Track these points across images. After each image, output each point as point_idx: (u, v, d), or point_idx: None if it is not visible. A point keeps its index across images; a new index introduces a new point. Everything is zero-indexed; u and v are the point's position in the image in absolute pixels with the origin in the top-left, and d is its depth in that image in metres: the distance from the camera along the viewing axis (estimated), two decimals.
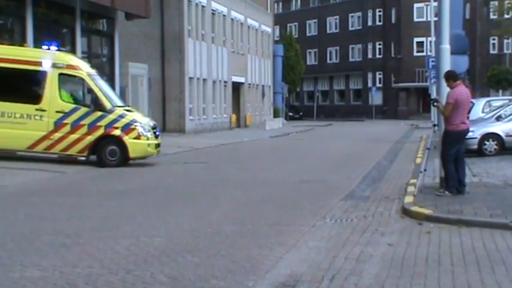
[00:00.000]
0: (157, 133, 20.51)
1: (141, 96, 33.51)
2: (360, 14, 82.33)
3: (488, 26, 68.90)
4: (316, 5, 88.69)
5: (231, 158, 24.47)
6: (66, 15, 26.77)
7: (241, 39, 51.91)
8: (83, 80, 19.56)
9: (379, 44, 79.47)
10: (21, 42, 22.92)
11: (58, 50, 20.29)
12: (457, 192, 12.64)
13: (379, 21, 79.51)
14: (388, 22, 77.80)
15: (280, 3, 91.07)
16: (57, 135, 19.18)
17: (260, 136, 39.00)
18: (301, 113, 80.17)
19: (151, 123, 20.77)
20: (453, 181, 12.68)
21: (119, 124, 19.40)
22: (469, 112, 13.66)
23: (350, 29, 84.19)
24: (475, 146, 21.77)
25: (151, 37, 39.34)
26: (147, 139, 19.71)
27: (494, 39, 71.23)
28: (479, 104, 28.08)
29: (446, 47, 13.02)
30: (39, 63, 19.32)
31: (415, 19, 73.79)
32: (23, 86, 20.02)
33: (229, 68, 48.36)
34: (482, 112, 26.70)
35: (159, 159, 20.80)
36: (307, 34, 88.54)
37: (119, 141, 19.32)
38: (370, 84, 79.20)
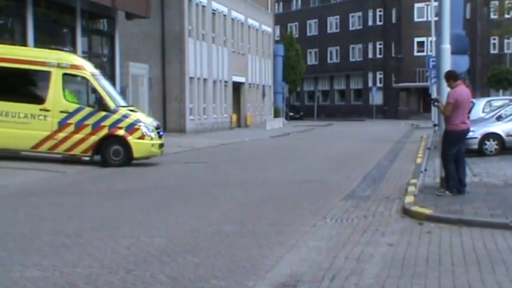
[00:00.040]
0: (160, 133, 20.56)
1: (141, 96, 33.51)
2: (360, 13, 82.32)
3: (488, 25, 68.87)
4: (316, 5, 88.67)
5: (231, 158, 24.48)
6: (67, 15, 26.77)
7: (241, 39, 51.92)
8: (87, 80, 19.58)
9: (380, 44, 79.45)
10: (22, 42, 22.92)
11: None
12: (458, 192, 12.64)
13: (380, 21, 79.49)
14: (389, 22, 77.78)
15: (281, 3, 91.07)
16: (61, 135, 19.20)
17: (260, 136, 39.00)
18: (301, 113, 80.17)
19: (155, 123, 20.82)
20: (453, 181, 12.67)
21: (123, 124, 19.42)
22: (469, 112, 13.65)
23: (350, 28, 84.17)
24: (476, 146, 21.77)
25: (151, 37, 39.35)
26: (151, 139, 19.75)
27: (494, 39, 71.21)
28: (480, 103, 28.08)
29: (446, 46, 13.02)
30: (43, 63, 19.34)
31: (416, 19, 73.78)
32: (27, 86, 20.10)
33: (230, 68, 48.36)
34: (483, 112, 26.70)
35: (160, 159, 20.80)
36: (308, 34, 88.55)
37: (123, 141, 19.35)
38: (370, 84, 79.22)
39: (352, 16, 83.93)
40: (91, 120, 19.26)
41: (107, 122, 19.34)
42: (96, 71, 20.43)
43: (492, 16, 69.08)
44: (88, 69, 19.93)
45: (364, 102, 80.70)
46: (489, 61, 68.57)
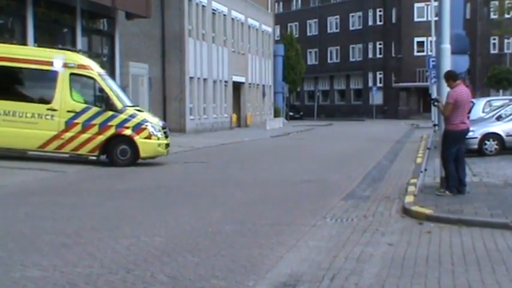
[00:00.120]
0: (167, 133, 20.60)
1: (141, 96, 33.51)
2: (360, 13, 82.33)
3: (488, 25, 68.87)
4: (316, 5, 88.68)
5: (231, 158, 24.48)
6: (67, 15, 26.78)
7: (241, 39, 51.92)
8: (93, 79, 19.61)
9: (380, 44, 79.46)
10: (22, 41, 22.94)
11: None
12: (458, 192, 12.64)
13: (380, 21, 79.50)
14: (389, 22, 77.79)
15: (281, 3, 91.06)
16: (68, 134, 19.23)
17: (260, 136, 39.00)
18: (301, 113, 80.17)
19: (161, 123, 20.89)
20: (453, 181, 12.68)
21: (129, 124, 19.46)
22: (469, 112, 13.66)
23: (350, 28, 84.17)
24: (476, 146, 21.76)
25: (151, 37, 39.34)
26: (158, 139, 19.80)
27: (494, 39, 71.22)
28: (480, 103, 28.06)
29: (446, 46, 13.02)
30: (50, 63, 19.37)
31: (416, 19, 73.81)
32: (34, 85, 20.15)
33: (230, 68, 48.36)
34: (483, 112, 26.68)
35: (160, 159, 20.80)
36: (308, 34, 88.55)
37: (129, 141, 19.40)
38: (370, 84, 79.23)
39: (352, 16, 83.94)
40: (98, 120, 19.29)
41: (114, 122, 19.37)
42: (103, 71, 20.51)
43: (492, 16, 69.07)
44: (95, 69, 20.00)
45: (364, 102, 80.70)
46: (489, 61, 68.57)
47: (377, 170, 19.11)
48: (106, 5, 27.01)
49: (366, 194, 13.82)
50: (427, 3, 59.86)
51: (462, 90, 12.64)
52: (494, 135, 22.20)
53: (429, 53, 45.85)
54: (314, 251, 8.47)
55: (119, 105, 19.58)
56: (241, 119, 51.80)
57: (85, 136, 19.25)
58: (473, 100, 23.71)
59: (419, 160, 20.75)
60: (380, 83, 79.41)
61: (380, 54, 79.50)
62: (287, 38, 71.64)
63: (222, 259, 8.00)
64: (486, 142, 22.08)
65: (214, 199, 13.29)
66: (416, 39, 72.88)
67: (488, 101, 29.68)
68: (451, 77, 12.63)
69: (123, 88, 30.03)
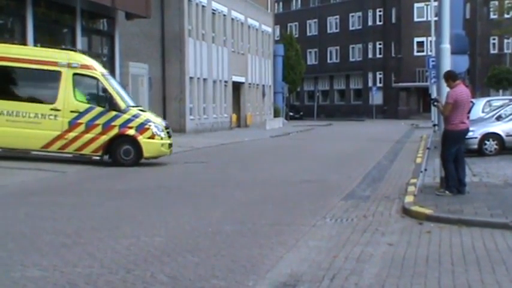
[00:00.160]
0: (170, 133, 20.62)
1: (141, 96, 33.49)
2: (360, 13, 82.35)
3: (488, 25, 68.88)
4: (316, 5, 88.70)
5: (231, 158, 24.48)
6: (67, 15, 26.78)
7: (241, 39, 51.92)
8: (97, 79, 19.60)
9: (380, 44, 79.49)
10: (22, 41, 22.94)
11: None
12: (458, 192, 12.64)
13: (380, 21, 79.53)
14: (389, 22, 77.81)
15: (281, 3, 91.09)
16: (72, 134, 19.22)
17: (260, 136, 39.00)
18: (301, 113, 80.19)
19: (164, 123, 20.91)
20: (453, 181, 12.68)
21: (133, 124, 19.47)
22: (469, 112, 13.66)
23: (350, 28, 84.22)
24: (475, 146, 21.77)
25: (151, 37, 39.35)
26: (161, 139, 19.82)
27: (494, 39, 71.22)
28: (480, 103, 28.07)
29: (446, 46, 13.03)
30: (54, 63, 19.37)
31: (416, 19, 73.83)
32: (37, 85, 20.13)
33: (230, 68, 48.37)
34: (483, 112, 26.69)
35: (160, 159, 20.79)
36: (308, 34, 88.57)
37: (133, 141, 19.40)
38: (370, 84, 79.26)
39: (352, 16, 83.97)
40: (101, 120, 19.30)
41: (117, 122, 19.38)
42: (106, 71, 20.53)
43: (492, 16, 69.10)
44: (98, 69, 20.01)
45: (364, 102, 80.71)
46: (489, 61, 68.58)
47: (377, 170, 19.11)
48: (106, 5, 27.02)
49: (366, 194, 13.83)
50: (427, 3, 59.88)
51: (462, 90, 12.64)
52: (494, 135, 22.21)
53: (429, 53, 45.92)
54: (314, 251, 8.47)
55: (122, 105, 19.59)
56: (241, 119, 51.80)
57: (88, 136, 19.26)
58: (473, 100, 23.71)
59: (419, 160, 20.76)
60: (380, 83, 79.43)
61: (380, 54, 79.53)
62: (287, 38, 71.66)
63: (222, 259, 8.00)
64: (486, 142, 22.09)
65: (214, 199, 13.29)
66: (416, 39, 72.91)
67: (488, 101, 29.68)
68: (451, 77, 12.64)
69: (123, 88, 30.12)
